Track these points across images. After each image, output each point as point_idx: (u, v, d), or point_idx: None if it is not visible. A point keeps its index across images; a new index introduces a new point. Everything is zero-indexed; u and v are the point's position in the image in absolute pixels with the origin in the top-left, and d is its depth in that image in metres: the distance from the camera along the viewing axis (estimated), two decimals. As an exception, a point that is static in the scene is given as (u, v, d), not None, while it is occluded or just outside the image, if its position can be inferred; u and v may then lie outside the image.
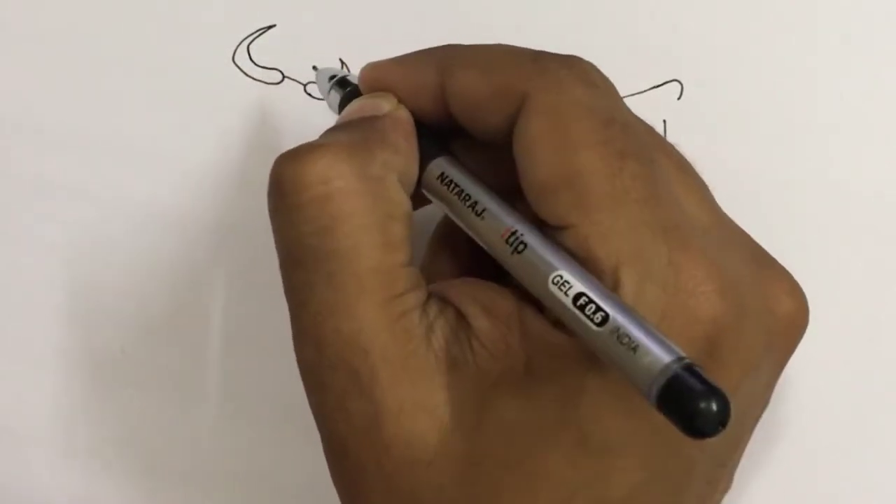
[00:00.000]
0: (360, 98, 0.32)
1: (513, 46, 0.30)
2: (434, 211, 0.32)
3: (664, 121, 0.38)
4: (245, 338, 0.38)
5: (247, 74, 0.38)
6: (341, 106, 0.33)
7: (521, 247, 0.28)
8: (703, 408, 0.24)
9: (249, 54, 0.38)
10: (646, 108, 0.38)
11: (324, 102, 0.35)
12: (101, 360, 0.39)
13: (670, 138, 0.38)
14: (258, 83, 0.38)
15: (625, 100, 0.36)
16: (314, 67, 0.37)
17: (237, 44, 0.38)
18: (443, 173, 0.30)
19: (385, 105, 0.31)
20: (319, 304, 0.28)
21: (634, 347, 0.25)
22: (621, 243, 0.27)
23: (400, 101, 0.31)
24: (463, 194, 0.30)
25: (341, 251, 0.28)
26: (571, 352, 0.28)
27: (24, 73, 0.39)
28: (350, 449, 0.29)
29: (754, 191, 0.38)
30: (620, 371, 0.26)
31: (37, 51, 0.39)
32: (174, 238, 0.38)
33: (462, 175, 0.30)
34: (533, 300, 0.28)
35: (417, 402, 0.28)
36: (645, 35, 0.38)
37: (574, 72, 0.29)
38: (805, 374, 0.37)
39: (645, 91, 0.38)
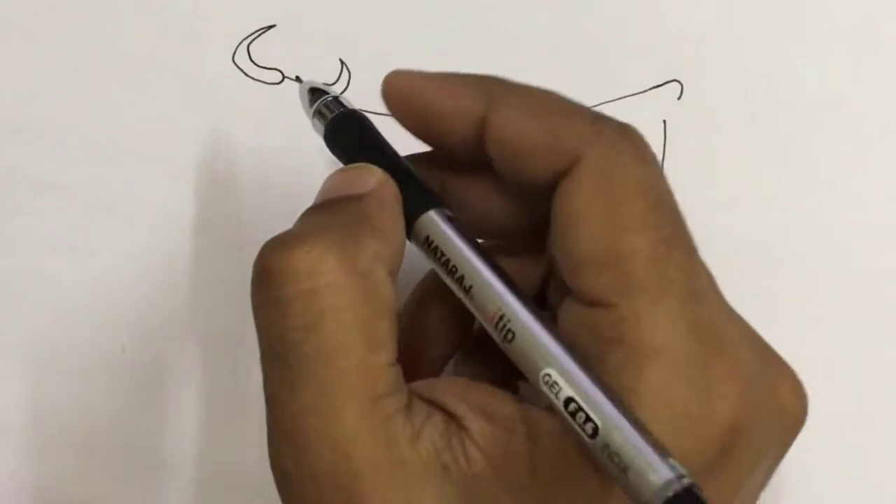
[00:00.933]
0: (342, 170, 0.30)
1: (570, 100, 0.29)
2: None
3: (664, 121, 0.38)
4: (245, 338, 0.38)
5: (247, 74, 0.38)
6: (330, 135, 0.32)
7: (509, 335, 0.27)
8: None
9: (249, 54, 0.38)
10: (646, 108, 0.38)
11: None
12: (101, 360, 0.39)
13: (670, 138, 0.38)
14: (258, 83, 0.38)
15: (625, 100, 0.36)
16: (297, 79, 0.37)
17: (237, 44, 0.38)
18: (428, 237, 0.29)
19: (370, 180, 0.29)
20: (300, 406, 0.27)
21: (624, 469, 0.24)
22: (657, 334, 0.27)
23: (427, 138, 0.30)
24: (450, 265, 0.28)
25: (327, 349, 0.27)
26: (581, 454, 0.26)
27: (24, 73, 0.39)
28: None
29: (754, 190, 0.38)
30: (618, 482, 0.25)
31: (37, 51, 0.39)
32: (174, 237, 0.38)
33: (452, 239, 0.28)
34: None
35: None
36: (645, 35, 0.38)
37: (631, 144, 0.28)
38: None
39: (645, 91, 0.38)
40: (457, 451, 0.27)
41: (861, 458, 0.38)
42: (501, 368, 0.30)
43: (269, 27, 0.38)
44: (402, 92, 0.30)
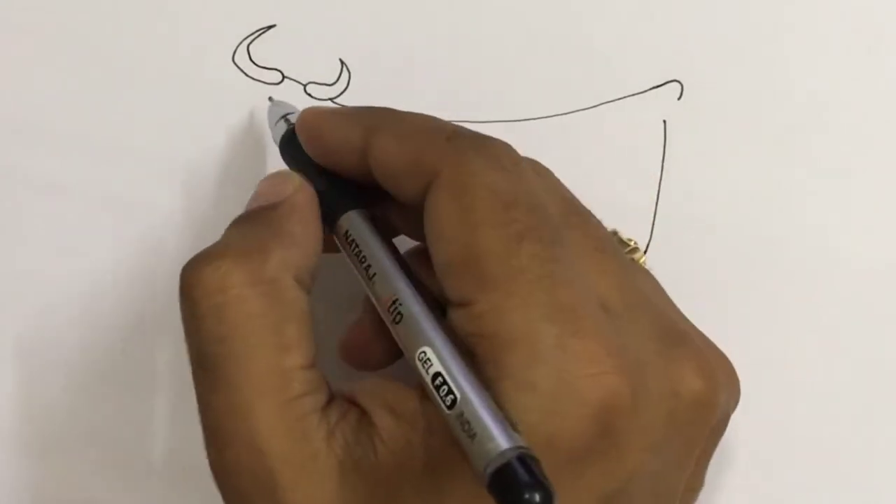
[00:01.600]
0: (265, 179, 0.33)
1: (434, 121, 0.32)
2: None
3: (664, 121, 0.38)
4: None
5: (247, 74, 0.38)
6: (281, 146, 0.35)
7: (398, 317, 0.29)
8: (526, 498, 0.25)
9: (249, 54, 0.38)
10: (646, 108, 0.38)
11: (324, 103, 0.35)
12: (101, 360, 0.39)
13: (670, 138, 0.38)
14: (258, 83, 0.38)
15: (625, 100, 0.36)
16: (270, 99, 0.37)
17: (237, 44, 0.38)
18: (347, 231, 0.31)
19: (287, 187, 0.32)
20: (219, 407, 0.29)
21: (473, 434, 0.26)
22: (512, 323, 0.28)
23: (329, 166, 0.33)
24: (360, 255, 0.31)
25: (237, 355, 0.29)
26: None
27: (24, 73, 0.39)
28: None
29: (755, 190, 0.38)
30: (464, 450, 0.27)
31: (36, 50, 0.39)
32: (174, 237, 0.38)
33: (365, 234, 0.31)
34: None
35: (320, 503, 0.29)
36: (645, 35, 0.38)
37: (485, 154, 0.30)
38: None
39: (645, 91, 0.38)
40: (366, 446, 0.29)
41: (861, 458, 0.38)
42: None
43: (269, 27, 0.38)
44: (306, 129, 0.33)
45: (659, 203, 0.38)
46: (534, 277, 0.28)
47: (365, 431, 0.29)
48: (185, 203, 0.38)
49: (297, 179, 0.32)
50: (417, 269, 0.31)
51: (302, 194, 0.32)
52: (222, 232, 0.38)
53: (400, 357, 0.33)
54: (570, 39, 0.38)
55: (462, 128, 0.31)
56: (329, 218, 0.32)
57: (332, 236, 0.32)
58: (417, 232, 0.31)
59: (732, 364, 0.32)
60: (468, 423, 0.26)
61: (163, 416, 0.39)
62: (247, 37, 0.38)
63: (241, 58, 0.38)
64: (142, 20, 0.38)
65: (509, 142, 0.33)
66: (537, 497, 0.25)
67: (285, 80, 0.38)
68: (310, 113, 0.33)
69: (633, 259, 0.36)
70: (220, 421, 0.29)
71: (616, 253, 0.32)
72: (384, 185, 0.31)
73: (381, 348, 0.33)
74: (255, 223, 0.32)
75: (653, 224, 0.38)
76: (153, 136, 0.38)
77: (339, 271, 0.33)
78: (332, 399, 0.30)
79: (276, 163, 0.38)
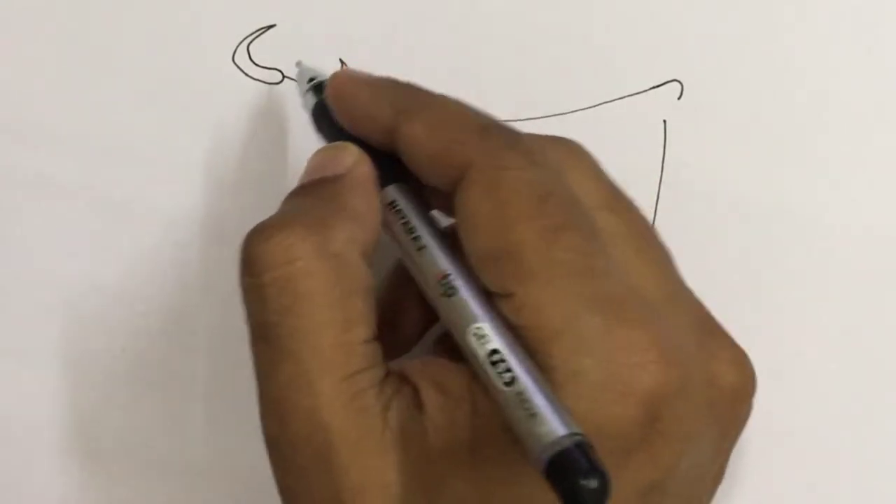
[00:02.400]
0: (322, 150, 0.33)
1: (466, 110, 0.31)
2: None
3: (664, 121, 0.38)
4: (245, 337, 0.38)
5: (247, 74, 0.38)
6: (313, 114, 0.34)
7: (451, 291, 0.29)
8: (583, 485, 0.25)
9: (249, 54, 0.38)
10: (646, 108, 0.38)
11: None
12: (101, 360, 0.39)
13: (670, 138, 0.38)
14: (258, 83, 0.38)
15: (625, 100, 0.36)
16: (297, 64, 0.37)
17: (237, 44, 0.38)
18: (394, 201, 0.31)
19: (347, 159, 0.32)
20: (281, 380, 0.29)
21: (533, 414, 0.26)
22: (555, 314, 0.28)
23: (358, 135, 0.32)
24: (408, 226, 0.31)
25: (302, 329, 0.29)
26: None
27: (24, 73, 0.39)
28: None
29: (754, 191, 0.38)
30: (518, 435, 0.27)
31: (36, 50, 0.39)
32: (174, 237, 0.38)
33: (412, 207, 0.31)
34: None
35: (373, 480, 0.29)
36: (645, 35, 0.38)
37: (518, 149, 0.30)
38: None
39: (645, 91, 0.38)
40: (417, 423, 0.29)
41: (863, 456, 0.38)
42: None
43: (269, 27, 0.38)
44: (338, 95, 0.33)
45: (659, 203, 0.38)
46: (574, 269, 0.29)
47: (418, 409, 0.29)
48: (186, 203, 0.38)
49: (355, 151, 0.32)
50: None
51: (362, 167, 0.32)
52: (223, 231, 0.38)
53: (417, 341, 0.34)
54: (570, 39, 0.38)
55: (494, 120, 0.31)
56: None
57: None
58: (449, 210, 0.31)
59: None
60: (528, 401, 0.27)
61: (169, 417, 0.39)
62: (247, 37, 0.38)
63: (241, 58, 0.38)
64: (142, 20, 0.38)
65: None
66: (595, 483, 0.25)
67: (285, 79, 0.38)
68: (340, 78, 0.33)
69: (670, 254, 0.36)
70: (283, 393, 0.29)
71: (656, 243, 0.32)
72: (412, 169, 0.31)
73: (408, 327, 0.34)
74: (318, 196, 0.31)
75: (653, 224, 0.38)
76: (153, 135, 0.38)
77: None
78: (388, 374, 0.30)
79: (277, 163, 0.38)
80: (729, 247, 0.38)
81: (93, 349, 0.39)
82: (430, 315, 0.33)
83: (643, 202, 0.38)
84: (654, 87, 0.38)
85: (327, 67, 0.38)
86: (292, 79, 0.38)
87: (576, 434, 0.26)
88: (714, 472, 0.31)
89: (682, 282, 0.32)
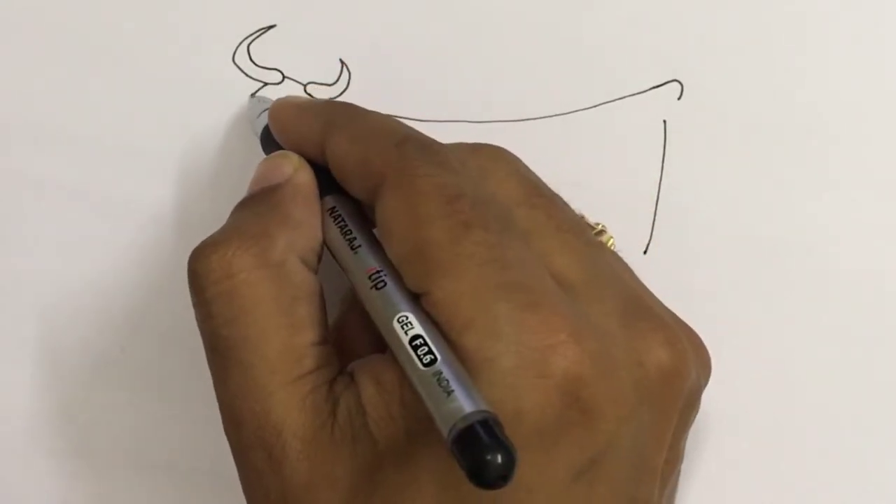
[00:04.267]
0: (265, 160, 0.34)
1: (388, 123, 0.33)
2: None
3: (664, 121, 0.38)
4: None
5: (247, 74, 0.38)
6: (261, 138, 0.35)
7: (381, 284, 0.30)
8: (489, 460, 0.25)
9: (249, 54, 0.38)
10: (646, 108, 0.38)
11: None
12: (101, 360, 0.39)
13: (670, 138, 0.38)
14: (258, 83, 0.38)
15: (625, 100, 0.36)
16: (251, 95, 0.38)
17: (237, 44, 0.38)
18: (334, 207, 0.32)
19: (286, 167, 0.33)
20: (235, 388, 0.30)
21: (449, 391, 0.27)
22: (466, 305, 0.29)
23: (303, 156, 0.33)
24: (345, 228, 0.32)
25: (250, 338, 0.30)
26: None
27: (24, 73, 0.39)
28: None
29: (755, 191, 0.38)
30: (431, 412, 0.27)
31: (36, 51, 0.39)
32: (174, 238, 0.38)
33: (349, 212, 0.32)
34: None
35: (323, 475, 0.29)
36: (645, 35, 0.38)
37: (430, 157, 0.31)
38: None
39: (645, 91, 0.38)
40: (362, 417, 0.30)
41: (862, 459, 0.38)
42: None
43: (269, 27, 0.38)
44: (273, 121, 0.34)
45: (659, 203, 0.38)
46: (482, 261, 0.29)
47: (360, 402, 0.30)
48: (186, 203, 0.38)
49: (295, 159, 0.33)
50: None
51: (302, 173, 0.33)
52: (223, 232, 0.38)
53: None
54: (571, 39, 0.38)
55: (414, 133, 0.32)
56: None
57: None
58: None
59: (701, 339, 0.32)
60: (444, 380, 0.27)
61: (168, 417, 0.39)
62: (247, 37, 0.38)
63: (241, 58, 0.38)
64: (142, 20, 0.38)
65: (509, 142, 0.33)
66: (499, 458, 0.25)
67: (285, 80, 0.38)
68: (277, 105, 0.35)
69: (601, 241, 0.37)
70: (235, 401, 0.30)
71: (580, 232, 0.32)
72: (339, 181, 0.32)
73: (361, 344, 0.34)
74: (258, 206, 0.32)
75: (653, 224, 0.38)
76: (153, 136, 0.38)
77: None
78: (340, 373, 0.31)
79: (276, 163, 0.38)
80: (729, 247, 0.38)
81: (93, 349, 0.39)
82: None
83: (643, 202, 0.38)
84: (654, 87, 0.38)
85: (327, 68, 0.38)
86: (292, 79, 0.38)
87: (483, 411, 0.26)
88: (662, 455, 0.31)
89: (609, 267, 0.32)
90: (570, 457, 0.28)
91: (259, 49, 0.38)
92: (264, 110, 0.36)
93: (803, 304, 0.38)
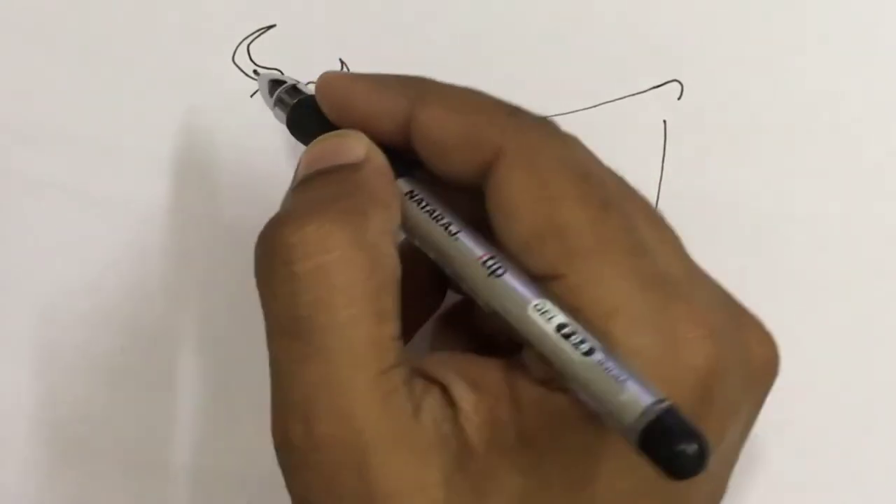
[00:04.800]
0: (324, 138, 0.31)
1: (489, 95, 0.30)
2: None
3: (664, 121, 0.38)
4: (245, 337, 0.38)
5: (247, 75, 0.38)
6: (292, 121, 0.33)
7: (499, 271, 0.28)
8: (685, 449, 0.24)
9: (249, 54, 0.38)
10: (646, 108, 0.38)
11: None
12: (101, 360, 0.39)
13: (670, 138, 0.38)
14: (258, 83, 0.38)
15: (625, 100, 0.36)
16: (255, 73, 0.37)
17: (237, 44, 0.38)
18: (412, 190, 0.30)
19: (358, 148, 0.30)
20: (310, 379, 0.27)
21: (622, 381, 0.25)
22: (610, 292, 0.28)
23: (367, 133, 0.31)
24: (436, 213, 0.29)
25: (337, 324, 0.27)
26: (568, 412, 0.27)
27: (24, 73, 0.39)
28: None
29: (754, 191, 0.38)
30: (601, 407, 0.26)
31: (35, 51, 0.39)
32: (174, 238, 0.38)
33: (432, 196, 0.30)
34: (521, 366, 0.28)
35: (412, 483, 0.27)
36: (645, 35, 0.38)
37: (549, 129, 0.29)
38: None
39: (645, 91, 0.38)
40: (452, 423, 0.28)
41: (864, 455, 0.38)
42: (476, 340, 0.32)
43: (269, 27, 0.38)
44: (333, 95, 0.31)
45: (659, 203, 0.38)
46: (624, 248, 0.28)
47: (451, 408, 0.28)
48: (187, 203, 0.38)
49: (365, 140, 0.30)
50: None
51: (378, 156, 0.30)
52: (225, 230, 0.38)
53: (410, 339, 0.32)
54: (570, 39, 0.38)
55: (519, 106, 0.30)
56: None
57: None
58: (461, 204, 0.30)
59: None
60: (613, 370, 0.26)
61: (168, 417, 0.39)
62: (247, 37, 0.38)
63: (241, 58, 0.38)
64: (142, 20, 0.38)
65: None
66: (694, 447, 0.24)
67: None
68: (334, 77, 0.32)
69: None
70: (311, 392, 0.27)
71: (666, 223, 0.31)
72: (426, 158, 0.30)
73: (408, 321, 0.32)
74: (337, 183, 0.29)
75: (653, 224, 0.38)
76: (153, 136, 0.38)
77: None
78: (413, 373, 0.28)
79: (278, 162, 0.38)
80: (729, 247, 0.38)
81: (91, 349, 0.39)
82: (427, 309, 0.33)
83: (643, 202, 0.38)
84: (654, 87, 0.38)
85: (327, 68, 0.38)
86: (292, 79, 0.38)
87: (664, 400, 0.25)
88: (742, 443, 0.31)
89: (696, 262, 0.31)
90: None
91: (259, 49, 0.38)
92: (284, 87, 0.34)
93: (805, 303, 0.38)
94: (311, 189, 0.30)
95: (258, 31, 0.38)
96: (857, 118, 0.38)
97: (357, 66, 0.38)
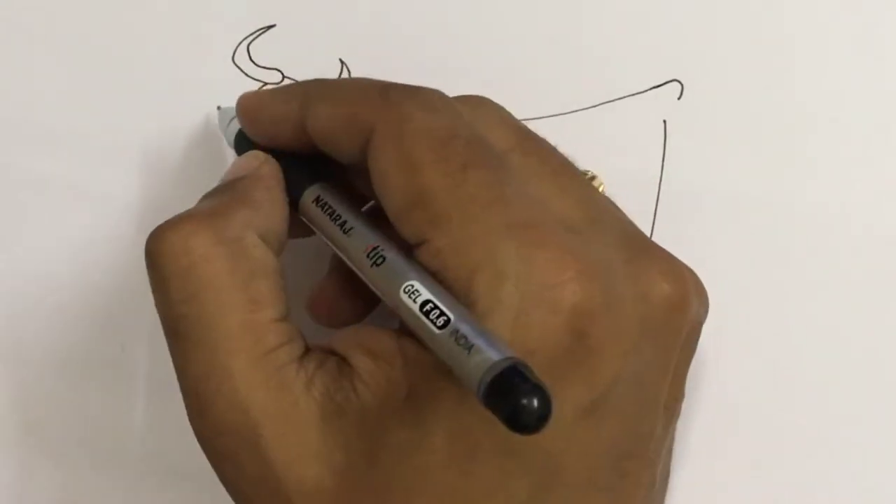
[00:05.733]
0: (235, 160, 0.34)
1: (365, 80, 0.32)
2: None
3: (664, 121, 0.38)
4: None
5: (247, 74, 0.38)
6: (235, 144, 0.35)
7: (380, 260, 0.30)
8: (524, 404, 0.25)
9: (249, 54, 0.38)
10: (646, 108, 0.38)
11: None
12: (101, 360, 0.39)
13: (670, 138, 0.38)
14: (258, 83, 0.38)
15: (625, 100, 0.36)
16: (218, 107, 0.37)
17: (237, 44, 0.38)
18: (318, 197, 0.32)
19: (253, 163, 0.33)
20: (196, 370, 0.29)
21: (469, 347, 0.26)
22: (472, 249, 0.28)
23: (271, 143, 0.33)
24: (334, 214, 0.31)
25: (209, 314, 0.29)
26: (444, 367, 0.28)
27: (24, 73, 0.39)
28: None
29: (754, 191, 0.38)
30: (456, 371, 0.27)
31: (36, 51, 0.39)
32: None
33: (335, 198, 0.32)
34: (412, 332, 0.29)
35: (307, 451, 0.29)
36: (645, 35, 0.38)
37: (416, 100, 0.30)
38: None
39: (645, 91, 0.38)
40: (347, 390, 0.29)
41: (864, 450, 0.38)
42: None
43: (269, 27, 0.38)
44: (246, 115, 0.34)
45: (659, 203, 0.38)
46: (485, 202, 0.29)
47: (346, 377, 0.29)
48: (187, 203, 0.38)
49: (262, 155, 0.33)
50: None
51: (266, 166, 0.33)
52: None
53: (366, 315, 0.35)
54: (570, 39, 0.38)
55: (393, 82, 0.31)
56: (295, 196, 0.33)
57: (298, 221, 0.33)
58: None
59: (697, 275, 0.32)
60: (465, 337, 0.27)
61: (169, 416, 0.39)
62: (247, 37, 0.38)
63: (241, 58, 0.38)
64: (142, 20, 0.39)
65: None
66: (535, 401, 0.25)
67: (285, 80, 0.38)
68: (246, 96, 0.34)
69: (594, 185, 0.37)
70: (199, 384, 0.29)
71: (574, 174, 0.32)
72: (327, 151, 0.32)
73: (349, 304, 0.34)
74: (220, 192, 0.32)
75: (653, 224, 0.38)
76: (153, 136, 0.38)
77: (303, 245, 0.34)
78: (308, 350, 0.30)
79: (276, 163, 0.38)
80: (729, 247, 0.38)
81: (93, 349, 0.39)
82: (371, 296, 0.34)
83: (643, 202, 0.38)
84: (654, 87, 0.38)
85: (327, 68, 0.38)
86: (292, 79, 0.38)
87: (509, 358, 0.26)
88: (665, 388, 0.31)
89: (607, 207, 0.32)
90: (578, 394, 0.28)
91: (259, 49, 0.38)
92: (233, 118, 0.35)
93: (805, 302, 0.38)
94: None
95: (258, 31, 0.38)
96: (857, 118, 0.38)
97: (357, 66, 0.38)
